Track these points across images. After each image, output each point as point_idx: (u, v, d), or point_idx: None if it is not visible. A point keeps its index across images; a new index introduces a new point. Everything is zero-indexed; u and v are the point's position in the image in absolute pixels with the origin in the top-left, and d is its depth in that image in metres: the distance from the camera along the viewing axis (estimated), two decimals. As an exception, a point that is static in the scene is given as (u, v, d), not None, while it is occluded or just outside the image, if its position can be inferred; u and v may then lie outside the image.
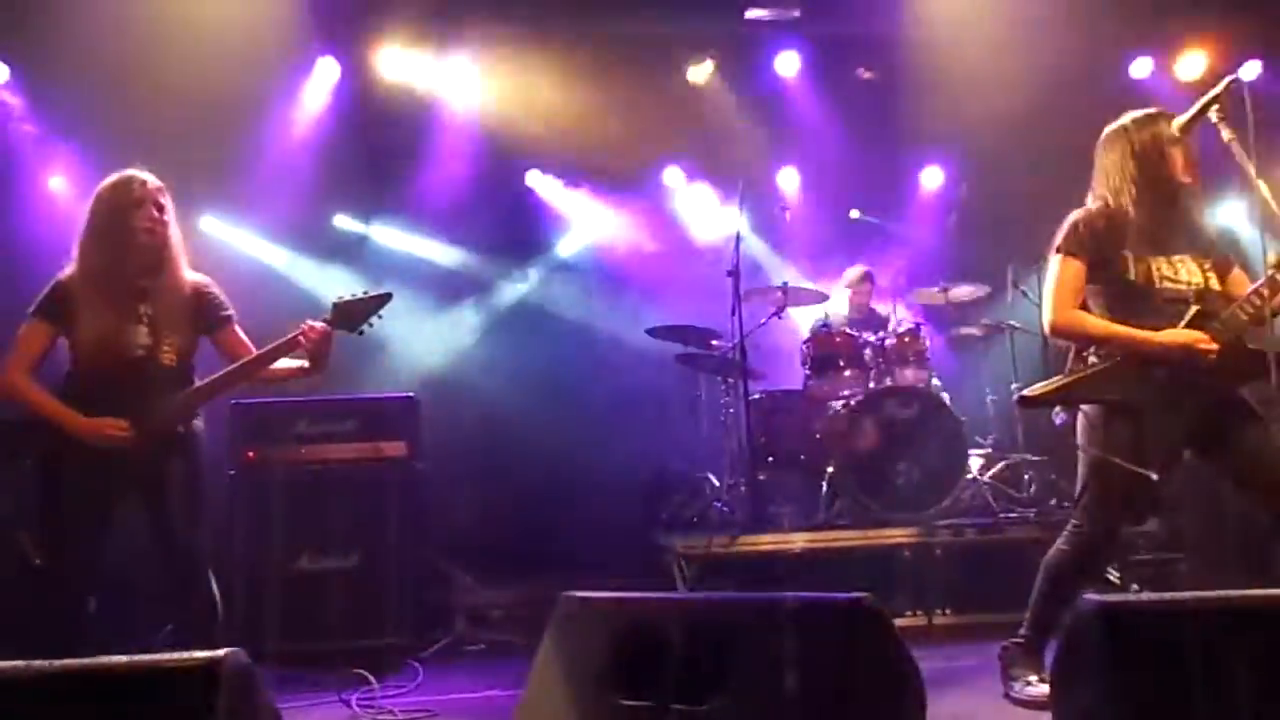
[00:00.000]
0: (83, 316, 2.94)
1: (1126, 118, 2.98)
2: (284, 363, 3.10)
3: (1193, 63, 6.14)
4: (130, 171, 3.03)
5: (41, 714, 1.66)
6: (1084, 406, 2.92)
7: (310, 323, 3.01)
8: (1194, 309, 2.81)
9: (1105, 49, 5.92)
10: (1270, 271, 2.70)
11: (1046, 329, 2.98)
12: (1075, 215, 2.99)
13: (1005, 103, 5.55)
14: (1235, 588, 1.89)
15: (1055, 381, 2.92)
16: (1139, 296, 2.85)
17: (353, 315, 3.08)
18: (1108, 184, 2.96)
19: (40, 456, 2.92)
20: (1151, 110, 2.97)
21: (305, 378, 3.13)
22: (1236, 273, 2.97)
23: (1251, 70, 5.85)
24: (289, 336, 3.01)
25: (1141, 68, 6.20)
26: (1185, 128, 2.85)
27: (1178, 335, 2.78)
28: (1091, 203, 3.01)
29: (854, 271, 5.91)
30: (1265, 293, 2.71)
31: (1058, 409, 3.09)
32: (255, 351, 3.07)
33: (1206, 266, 2.92)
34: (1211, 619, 1.76)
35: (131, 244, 2.96)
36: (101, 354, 2.93)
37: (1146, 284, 2.85)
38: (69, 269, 3.01)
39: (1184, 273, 2.88)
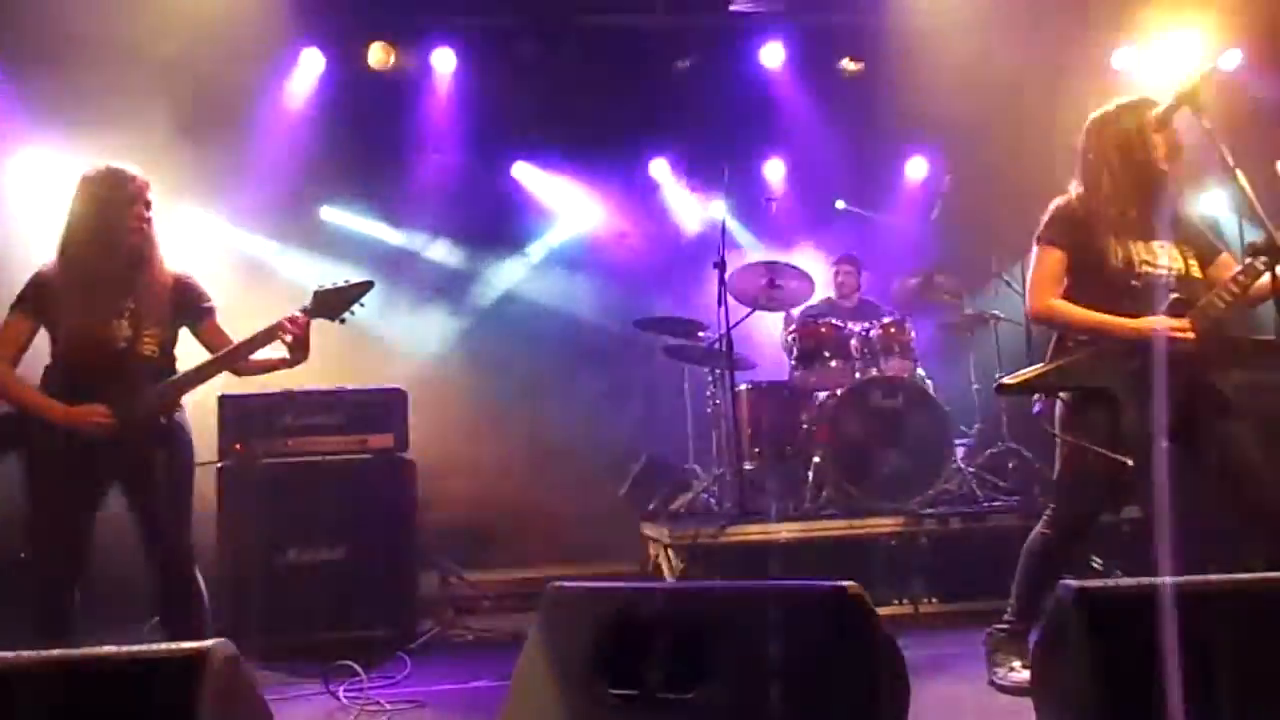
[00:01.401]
0: (64, 309, 2.92)
1: (1110, 104, 3.00)
2: (265, 353, 3.09)
3: (1174, 52, 6.17)
4: (120, 166, 3.00)
5: (28, 705, 1.66)
6: (1062, 394, 2.94)
7: (292, 313, 3.00)
8: (1173, 296, 2.83)
9: (1088, 39, 5.95)
10: (1248, 259, 2.72)
11: (1028, 317, 3.01)
12: (1056, 203, 3.01)
13: (989, 93, 5.57)
14: (1214, 572, 1.91)
15: (1033, 369, 2.94)
16: (1119, 282, 2.87)
17: (333, 303, 3.07)
18: (1089, 170, 2.97)
19: (24, 449, 2.90)
20: (1135, 97, 2.97)
21: (287, 368, 3.12)
22: (1224, 257, 2.99)
23: (1231, 59, 5.89)
24: (268, 326, 3.00)
25: (1123, 57, 6.24)
26: (1164, 116, 2.87)
27: (1155, 323, 2.80)
28: (1073, 189, 3.02)
29: (840, 256, 5.93)
30: (1243, 279, 2.73)
31: (1036, 396, 3.10)
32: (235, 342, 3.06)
33: (1187, 253, 2.94)
34: (1190, 603, 1.78)
35: (120, 241, 2.95)
36: (82, 347, 2.92)
37: (1126, 269, 2.87)
38: (50, 261, 2.98)
39: (1164, 258, 2.90)
